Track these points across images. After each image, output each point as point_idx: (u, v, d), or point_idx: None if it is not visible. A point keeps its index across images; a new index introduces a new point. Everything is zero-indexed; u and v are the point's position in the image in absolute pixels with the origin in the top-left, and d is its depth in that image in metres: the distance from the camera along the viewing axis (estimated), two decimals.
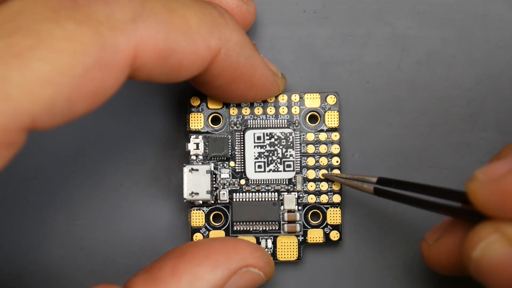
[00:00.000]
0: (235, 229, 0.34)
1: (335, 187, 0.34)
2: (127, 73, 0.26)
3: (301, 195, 0.34)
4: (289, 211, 0.34)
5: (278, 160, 0.34)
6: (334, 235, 0.34)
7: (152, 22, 0.27)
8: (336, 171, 0.34)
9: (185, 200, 0.33)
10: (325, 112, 0.35)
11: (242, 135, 0.34)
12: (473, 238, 0.27)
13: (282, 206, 0.34)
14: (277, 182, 0.34)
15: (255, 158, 0.34)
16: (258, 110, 0.34)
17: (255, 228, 0.34)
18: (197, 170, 0.33)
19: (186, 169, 0.33)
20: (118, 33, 0.26)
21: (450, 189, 0.29)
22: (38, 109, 0.24)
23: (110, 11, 0.26)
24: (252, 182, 0.34)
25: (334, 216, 0.34)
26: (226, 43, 0.29)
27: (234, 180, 0.34)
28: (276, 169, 0.34)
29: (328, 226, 0.34)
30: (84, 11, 0.25)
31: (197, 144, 0.34)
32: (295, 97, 0.35)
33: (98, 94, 0.26)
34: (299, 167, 0.34)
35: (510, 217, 0.26)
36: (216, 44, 0.29)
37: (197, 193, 0.33)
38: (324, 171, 0.34)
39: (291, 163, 0.34)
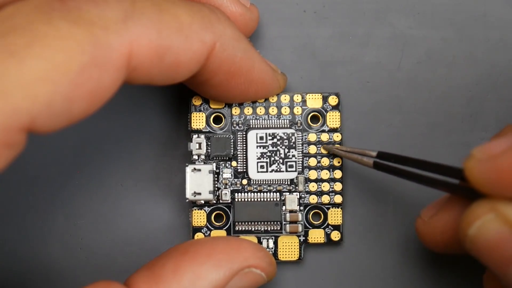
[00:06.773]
0: (237, 229, 0.34)
1: (337, 188, 0.34)
2: (124, 73, 0.27)
3: (302, 195, 0.34)
4: (291, 211, 0.34)
5: (281, 160, 0.34)
6: (335, 235, 0.34)
7: (143, 21, 0.27)
8: (338, 172, 0.34)
9: (187, 200, 0.33)
10: (326, 112, 0.35)
11: (244, 135, 0.34)
12: (469, 216, 0.27)
13: (284, 207, 0.34)
14: (279, 182, 0.34)
15: (257, 158, 0.34)
16: (260, 110, 0.34)
17: (256, 228, 0.34)
18: (199, 170, 0.33)
19: (188, 169, 0.33)
20: (110, 32, 0.26)
21: (448, 166, 0.29)
22: (37, 108, 0.24)
23: (100, 12, 0.26)
24: (254, 182, 0.34)
25: (335, 216, 0.34)
26: (220, 37, 0.29)
27: (236, 180, 0.34)
28: (278, 170, 0.34)
29: (329, 226, 0.34)
30: (75, 12, 0.26)
31: (200, 144, 0.34)
32: (298, 97, 0.35)
33: (96, 95, 0.26)
34: (301, 167, 0.34)
35: (506, 195, 0.26)
36: (211, 38, 0.29)
37: (199, 193, 0.33)
38: (324, 145, 0.34)
39: (294, 163, 0.34)
